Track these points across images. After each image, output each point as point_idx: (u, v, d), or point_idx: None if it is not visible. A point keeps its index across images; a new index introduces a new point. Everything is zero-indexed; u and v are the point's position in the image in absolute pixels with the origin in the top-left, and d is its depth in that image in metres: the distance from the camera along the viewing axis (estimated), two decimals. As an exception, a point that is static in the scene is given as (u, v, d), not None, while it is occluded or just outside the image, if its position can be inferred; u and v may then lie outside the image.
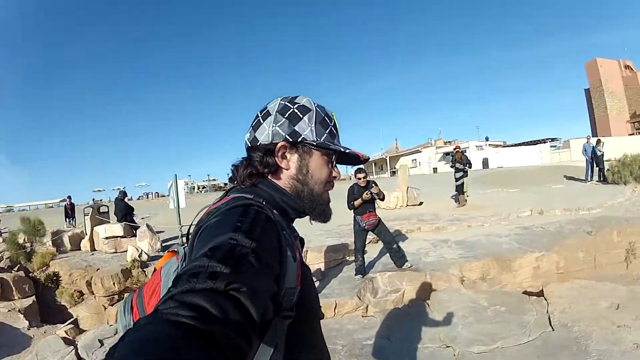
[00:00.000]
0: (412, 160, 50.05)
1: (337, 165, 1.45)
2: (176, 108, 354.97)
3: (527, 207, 13.60)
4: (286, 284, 1.02)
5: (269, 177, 1.35)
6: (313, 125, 1.38)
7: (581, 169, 21.07)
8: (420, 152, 49.72)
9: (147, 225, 12.73)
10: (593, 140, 19.82)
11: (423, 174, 41.64)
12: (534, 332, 5.42)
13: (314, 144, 1.36)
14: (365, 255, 8.35)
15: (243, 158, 1.40)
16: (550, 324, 5.73)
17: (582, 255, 9.41)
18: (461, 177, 14.96)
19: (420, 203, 16.40)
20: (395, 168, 48.29)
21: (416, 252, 9.28)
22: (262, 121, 1.38)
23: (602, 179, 19.04)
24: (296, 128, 1.35)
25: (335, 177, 1.43)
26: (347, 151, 1.39)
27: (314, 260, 9.61)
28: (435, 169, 46.92)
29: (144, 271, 10.64)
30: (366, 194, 7.65)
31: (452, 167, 15.25)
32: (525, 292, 7.55)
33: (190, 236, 1.21)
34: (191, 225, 1.24)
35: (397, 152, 55.47)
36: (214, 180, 74.31)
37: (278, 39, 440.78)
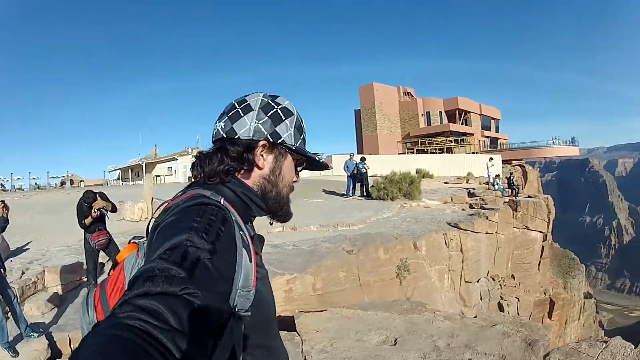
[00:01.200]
0: (169, 167, 48.89)
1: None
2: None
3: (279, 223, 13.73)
4: (241, 285, 1.05)
5: (238, 174, 1.37)
6: (292, 129, 1.43)
7: (342, 183, 21.85)
8: (177, 159, 48.48)
9: None
10: (357, 157, 20.67)
11: (178, 182, 40.90)
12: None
13: (293, 148, 1.42)
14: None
15: (216, 149, 1.38)
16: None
17: (344, 275, 9.22)
18: None
19: (164, 216, 15.42)
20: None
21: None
22: (241, 114, 1.38)
23: (365, 194, 19.91)
24: (277, 129, 1.39)
25: (296, 181, 1.48)
26: (320, 160, 1.51)
27: (51, 283, 8.26)
28: (190, 178, 45.51)
29: None
30: (94, 212, 7.09)
31: None
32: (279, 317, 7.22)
33: (149, 232, 1.22)
34: (150, 220, 1.25)
35: (155, 158, 53.47)
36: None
37: None
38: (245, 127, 1.36)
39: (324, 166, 1.54)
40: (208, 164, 1.34)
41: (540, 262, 25.98)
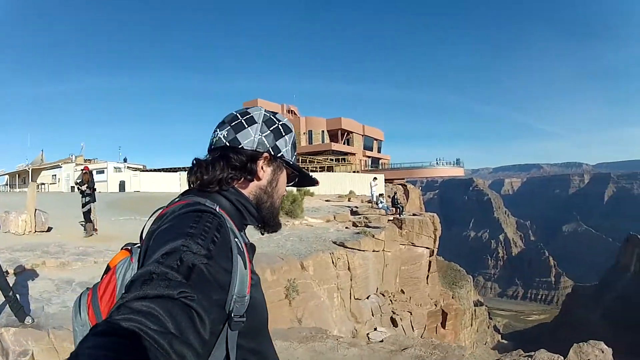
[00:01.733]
0: (53, 175, 45.94)
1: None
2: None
3: (124, 238, 13.03)
4: (237, 291, 1.09)
5: (237, 183, 1.42)
6: (290, 145, 1.52)
7: None
8: (61, 167, 45.47)
9: None
10: None
11: (61, 191, 38.12)
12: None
13: (290, 162, 1.51)
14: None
15: (217, 157, 1.41)
16: None
17: None
18: (88, 203, 13.40)
19: (49, 229, 13.97)
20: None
21: (40, 298, 7.52)
22: (246, 125, 1.44)
23: None
24: (278, 143, 1.47)
25: (284, 194, 1.57)
26: (312, 176, 1.63)
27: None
28: (73, 188, 43.14)
29: None
30: None
31: (78, 190, 13.68)
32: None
33: (144, 238, 1.24)
34: (145, 226, 1.29)
35: (41, 164, 49.78)
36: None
37: None
38: (250, 138, 1.41)
39: (314, 182, 1.64)
40: (208, 171, 1.38)
41: (428, 275, 26.99)
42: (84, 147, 48.33)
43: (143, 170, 47.23)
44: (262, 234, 1.58)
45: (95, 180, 14.02)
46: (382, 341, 8.12)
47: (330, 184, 39.21)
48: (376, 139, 69.52)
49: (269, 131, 1.45)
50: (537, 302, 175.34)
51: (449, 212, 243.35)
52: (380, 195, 28.10)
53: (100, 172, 39.94)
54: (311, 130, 61.92)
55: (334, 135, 62.38)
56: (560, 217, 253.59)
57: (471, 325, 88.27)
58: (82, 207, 13.44)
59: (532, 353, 6.65)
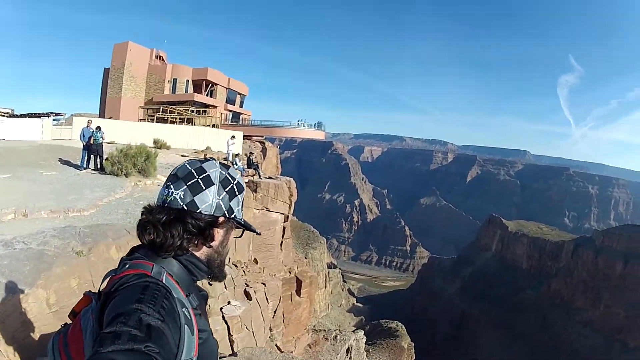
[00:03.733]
0: None
1: None
2: None
3: (12, 206, 11.09)
4: (184, 356, 1.25)
5: (191, 245, 1.53)
6: (240, 204, 1.63)
7: (78, 151, 20.01)
8: None
9: None
10: (94, 125, 19.50)
11: None
12: None
13: (242, 222, 1.63)
14: None
15: (174, 220, 1.48)
16: None
17: (76, 283, 7.97)
18: None
19: None
20: None
21: None
22: (203, 187, 1.50)
23: (99, 168, 18.64)
24: (232, 204, 1.57)
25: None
26: (259, 233, 1.83)
27: None
28: None
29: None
30: None
31: None
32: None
33: (99, 298, 1.43)
34: (100, 287, 1.51)
35: None
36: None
37: None
38: (208, 202, 1.49)
39: (257, 232, 1.81)
40: (164, 235, 1.46)
41: (282, 242, 26.67)
42: None
43: (10, 116, 40.76)
44: (210, 284, 1.83)
45: None
46: (236, 355, 7.07)
47: (188, 138, 37.37)
48: (240, 93, 67.85)
49: (225, 192, 1.54)
50: (392, 269, 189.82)
51: (305, 173, 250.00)
52: (237, 155, 26.97)
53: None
54: (176, 79, 58.76)
55: (198, 86, 60.11)
56: (418, 190, 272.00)
57: (325, 287, 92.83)
58: None
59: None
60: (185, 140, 36.57)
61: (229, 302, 14.74)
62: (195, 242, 1.49)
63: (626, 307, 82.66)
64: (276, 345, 21.13)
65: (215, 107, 59.01)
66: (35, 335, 6.53)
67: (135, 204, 13.78)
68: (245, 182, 23.04)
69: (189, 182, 1.47)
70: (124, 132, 28.31)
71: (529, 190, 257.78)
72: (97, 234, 9.44)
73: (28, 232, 9.29)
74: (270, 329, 20.65)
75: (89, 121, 19.78)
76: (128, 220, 11.70)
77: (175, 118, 50.95)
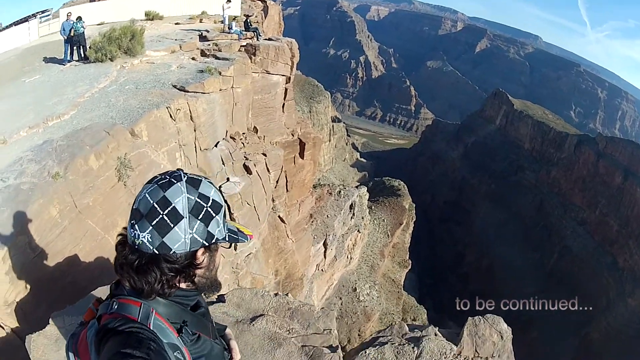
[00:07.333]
0: None
1: None
2: None
3: None
4: None
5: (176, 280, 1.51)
6: (221, 222, 1.51)
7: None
8: None
9: None
10: (74, 17, 18.62)
11: None
12: None
13: (226, 240, 1.56)
14: None
15: (148, 264, 1.41)
16: None
17: (57, 211, 7.99)
18: None
19: None
20: None
21: None
22: (171, 224, 1.37)
23: (83, 58, 18.26)
24: (209, 229, 1.46)
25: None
26: (238, 238, 1.64)
27: None
28: None
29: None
30: None
31: None
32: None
33: (99, 320, 1.52)
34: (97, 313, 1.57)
35: None
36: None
37: None
38: (180, 242, 1.39)
39: (246, 240, 1.69)
40: (141, 280, 1.43)
41: (284, 104, 26.52)
42: None
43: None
44: (206, 297, 1.87)
45: None
46: (224, 302, 6.99)
47: (182, 4, 35.67)
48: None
49: (198, 222, 1.41)
50: (396, 127, 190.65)
51: (309, 30, 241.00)
52: (234, 18, 25.79)
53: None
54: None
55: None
56: (425, 53, 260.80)
57: (329, 141, 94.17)
58: None
59: (418, 334, 6.12)
60: (178, 7, 35.00)
61: (227, 179, 15.06)
62: (178, 281, 1.47)
63: (619, 222, 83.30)
64: (279, 216, 22.10)
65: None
66: (18, 292, 7.00)
67: (119, 91, 13.58)
68: (243, 46, 22.45)
69: (154, 222, 1.35)
70: (114, 9, 26.90)
71: (538, 74, 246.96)
72: (74, 144, 9.35)
73: (7, 163, 9.07)
74: (273, 200, 21.65)
75: (69, 14, 19.04)
76: (110, 115, 11.63)
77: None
